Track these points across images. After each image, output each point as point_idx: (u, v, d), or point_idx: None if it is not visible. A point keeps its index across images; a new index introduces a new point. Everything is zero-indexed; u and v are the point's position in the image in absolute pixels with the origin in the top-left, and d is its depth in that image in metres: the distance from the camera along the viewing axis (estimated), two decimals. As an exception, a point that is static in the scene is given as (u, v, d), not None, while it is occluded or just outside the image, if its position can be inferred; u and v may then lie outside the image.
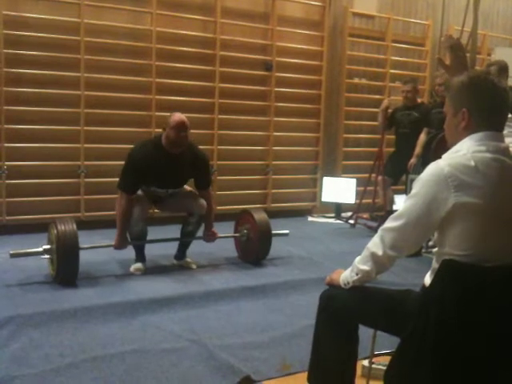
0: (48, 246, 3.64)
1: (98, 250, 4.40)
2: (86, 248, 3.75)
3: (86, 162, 5.16)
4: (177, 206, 4.10)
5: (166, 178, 3.82)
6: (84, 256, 4.20)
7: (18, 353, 2.61)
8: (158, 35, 5.38)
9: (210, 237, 4.13)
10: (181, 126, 3.66)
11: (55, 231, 3.55)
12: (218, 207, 5.54)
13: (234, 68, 5.83)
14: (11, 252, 3.64)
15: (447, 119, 1.81)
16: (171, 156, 3.71)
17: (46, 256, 3.63)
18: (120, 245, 3.83)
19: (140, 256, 3.96)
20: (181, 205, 4.07)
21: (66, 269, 3.54)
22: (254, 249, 4.22)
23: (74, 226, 3.60)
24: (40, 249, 3.64)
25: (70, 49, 5.02)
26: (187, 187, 4.12)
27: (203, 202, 4.00)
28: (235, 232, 4.38)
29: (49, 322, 2.96)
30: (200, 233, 4.13)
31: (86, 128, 5.14)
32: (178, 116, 3.70)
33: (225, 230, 4.73)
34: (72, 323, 2.98)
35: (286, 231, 4.54)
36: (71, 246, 3.53)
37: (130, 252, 3.98)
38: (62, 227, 3.54)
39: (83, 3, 5.00)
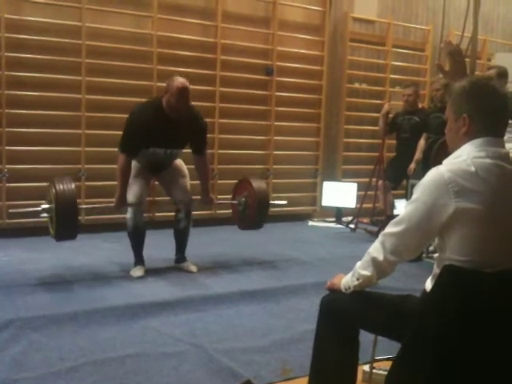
0: (47, 206, 3.63)
1: (97, 253, 4.44)
2: (86, 208, 3.74)
3: (87, 166, 5.17)
4: (169, 187, 4.10)
5: (164, 139, 3.81)
6: (84, 259, 4.22)
7: (19, 356, 2.61)
8: (159, 39, 5.40)
9: (207, 203, 4.16)
10: (183, 93, 3.66)
11: (54, 190, 3.53)
12: (219, 211, 5.55)
13: (234, 72, 5.84)
14: (10, 211, 3.65)
15: (448, 124, 1.82)
16: (171, 119, 3.72)
17: (45, 215, 3.63)
18: (119, 205, 3.81)
19: (139, 258, 3.96)
20: (172, 190, 4.08)
21: (65, 227, 3.54)
22: (252, 216, 4.23)
23: (73, 185, 3.60)
24: (39, 208, 3.64)
25: (72, 52, 5.03)
26: (186, 182, 4.11)
27: (190, 198, 4.06)
28: (232, 200, 4.40)
29: (49, 326, 2.95)
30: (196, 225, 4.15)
31: (86, 131, 5.14)
32: (180, 82, 3.69)
33: (226, 233, 4.74)
34: (72, 326, 2.98)
35: (284, 202, 4.55)
36: (70, 205, 3.52)
37: (129, 255, 3.98)
38: (61, 186, 3.53)
39: (84, 7, 5.01)
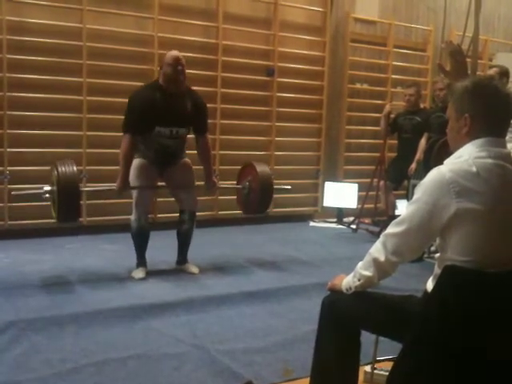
0: (49, 188, 3.65)
1: (99, 254, 4.43)
2: (88, 190, 3.74)
3: (89, 167, 5.17)
4: (175, 187, 4.09)
5: (167, 116, 3.78)
6: (85, 260, 4.22)
7: (20, 358, 2.61)
8: (160, 41, 5.40)
9: (210, 187, 4.16)
10: (177, 61, 3.70)
11: (56, 173, 3.55)
12: (220, 212, 5.54)
13: (235, 73, 5.84)
14: (13, 193, 3.67)
15: (450, 123, 1.81)
16: (170, 94, 3.75)
17: (47, 196, 3.65)
18: (122, 187, 3.80)
19: (141, 260, 3.96)
20: (177, 191, 4.08)
21: (67, 209, 3.55)
22: (256, 200, 4.22)
23: (75, 168, 3.63)
24: (41, 190, 3.66)
25: (73, 54, 5.03)
26: (192, 181, 4.09)
27: (195, 199, 4.07)
28: (237, 185, 4.40)
29: (50, 327, 2.96)
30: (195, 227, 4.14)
31: (88, 133, 5.15)
32: (174, 52, 3.77)
33: (227, 234, 4.73)
34: (73, 328, 2.98)
35: (288, 186, 4.55)
36: (71, 187, 3.54)
37: (131, 256, 3.98)
38: (63, 168, 3.56)
39: (86, 9, 5.02)
